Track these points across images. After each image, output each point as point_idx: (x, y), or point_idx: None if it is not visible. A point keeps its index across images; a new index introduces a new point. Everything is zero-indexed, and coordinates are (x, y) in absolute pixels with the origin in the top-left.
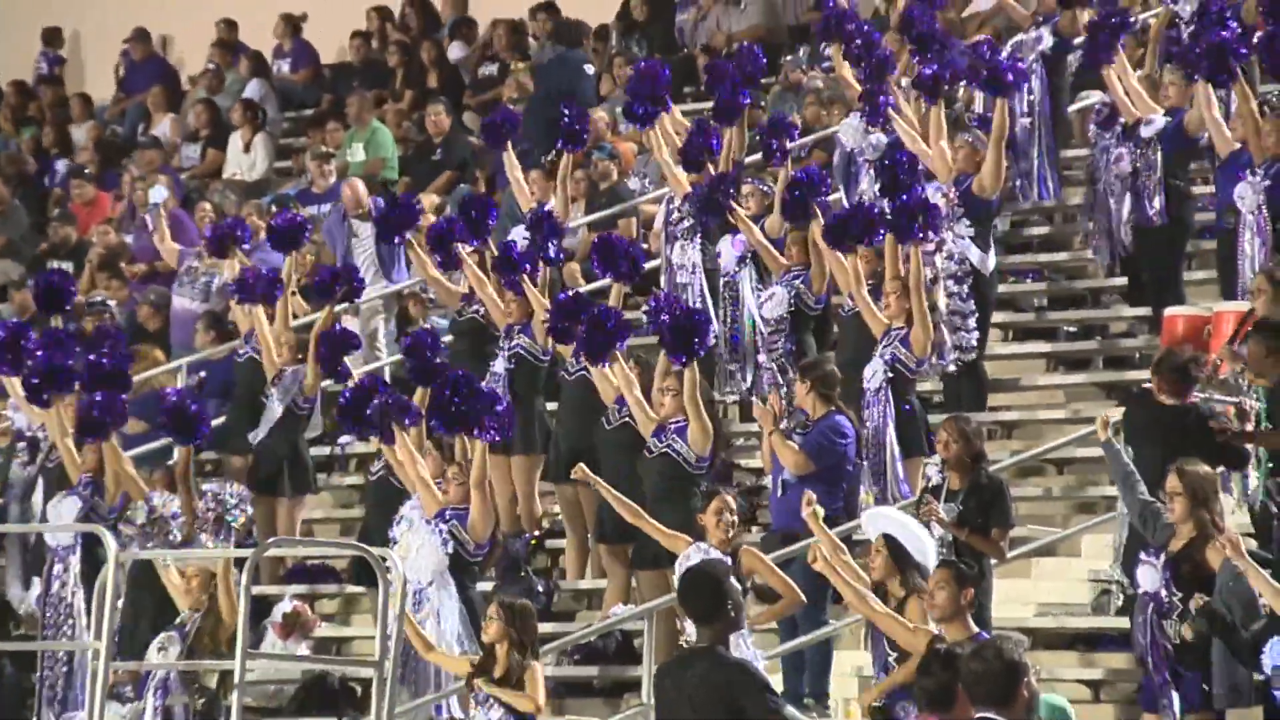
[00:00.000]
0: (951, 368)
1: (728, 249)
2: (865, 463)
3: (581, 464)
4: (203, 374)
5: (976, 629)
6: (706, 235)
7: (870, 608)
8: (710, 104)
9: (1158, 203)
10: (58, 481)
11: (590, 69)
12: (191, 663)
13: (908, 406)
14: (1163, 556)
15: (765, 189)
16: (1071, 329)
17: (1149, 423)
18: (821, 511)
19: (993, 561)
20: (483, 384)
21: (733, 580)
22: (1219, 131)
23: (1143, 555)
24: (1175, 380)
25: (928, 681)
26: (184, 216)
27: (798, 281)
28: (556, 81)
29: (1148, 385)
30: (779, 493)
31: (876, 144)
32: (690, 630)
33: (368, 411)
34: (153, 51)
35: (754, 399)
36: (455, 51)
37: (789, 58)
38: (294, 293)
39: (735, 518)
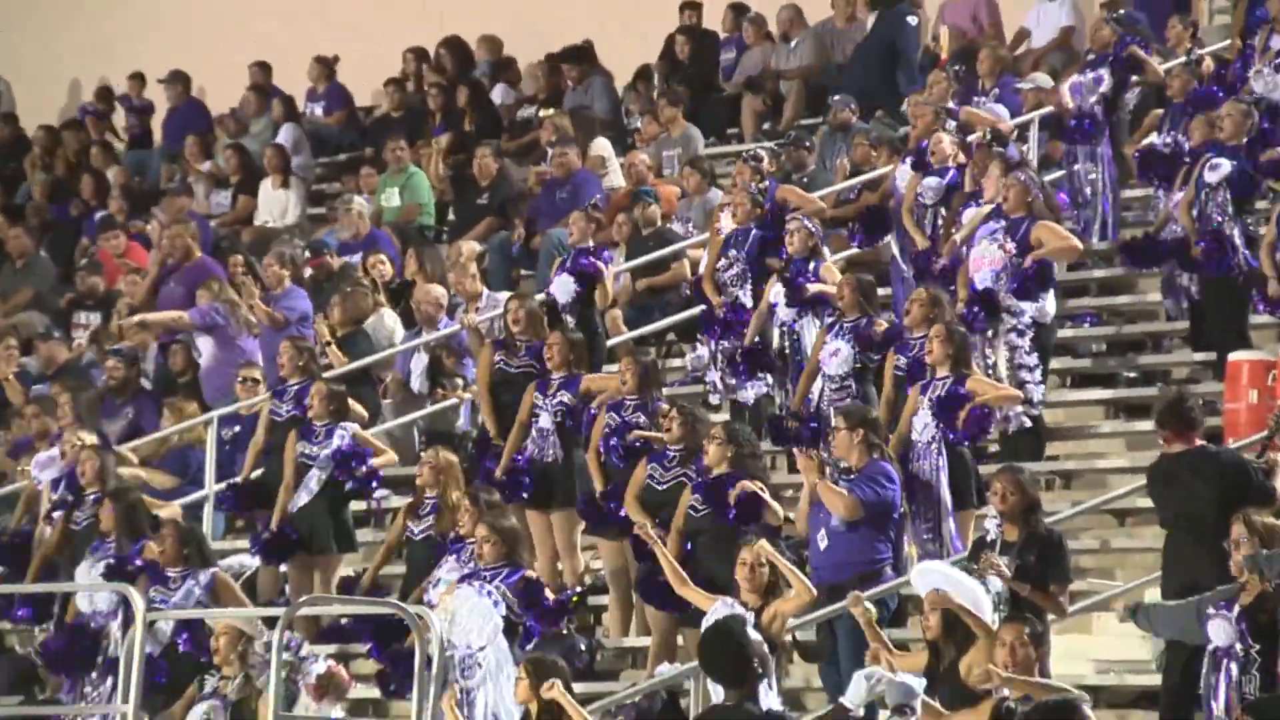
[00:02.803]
0: (1027, 422)
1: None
2: (915, 516)
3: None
4: (237, 428)
5: (1044, 681)
6: (758, 280)
7: None
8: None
9: (1241, 255)
10: (86, 543)
11: (914, 21)
12: None
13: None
14: (1235, 609)
15: (811, 227)
16: (1132, 374)
17: (1169, 477)
18: (873, 612)
19: (1051, 617)
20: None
21: (751, 631)
22: None
23: (1212, 609)
24: (1176, 423)
25: None
26: (212, 265)
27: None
28: (881, 38)
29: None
30: (822, 545)
31: (935, 187)
32: None
33: None
34: (187, 96)
35: (797, 450)
36: (499, 95)
37: (836, 98)
38: (329, 343)
39: (764, 569)
